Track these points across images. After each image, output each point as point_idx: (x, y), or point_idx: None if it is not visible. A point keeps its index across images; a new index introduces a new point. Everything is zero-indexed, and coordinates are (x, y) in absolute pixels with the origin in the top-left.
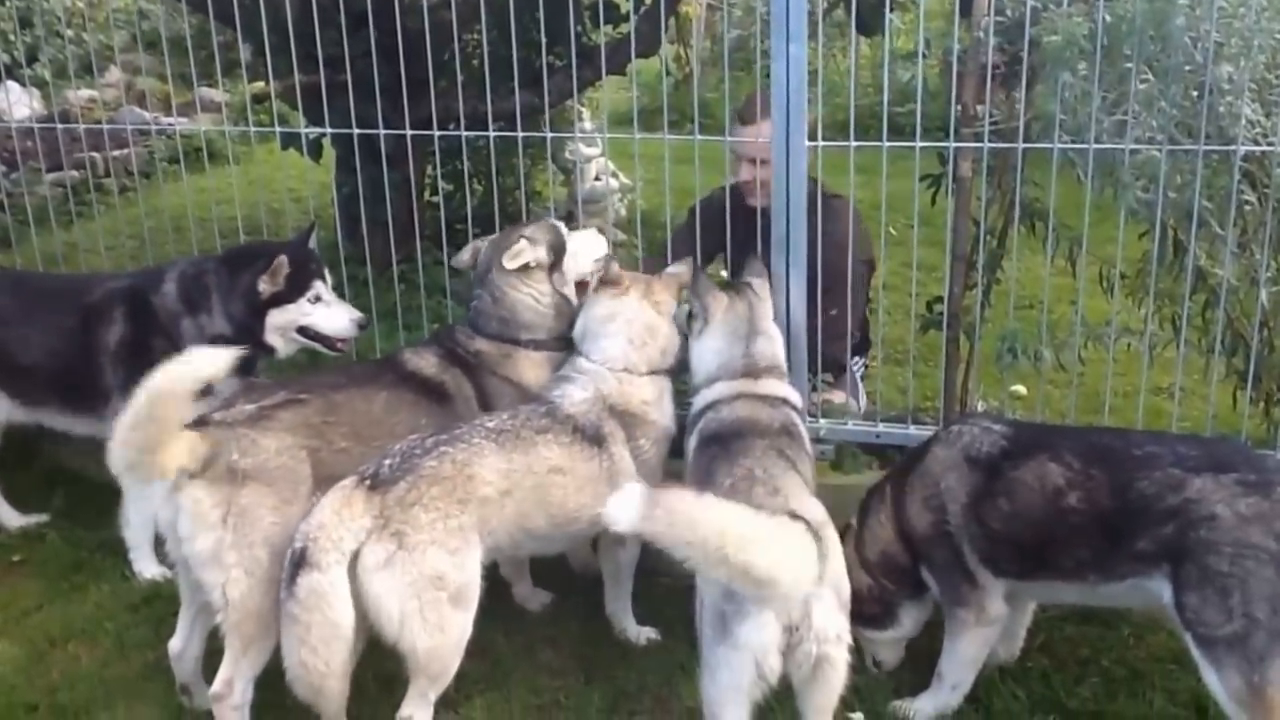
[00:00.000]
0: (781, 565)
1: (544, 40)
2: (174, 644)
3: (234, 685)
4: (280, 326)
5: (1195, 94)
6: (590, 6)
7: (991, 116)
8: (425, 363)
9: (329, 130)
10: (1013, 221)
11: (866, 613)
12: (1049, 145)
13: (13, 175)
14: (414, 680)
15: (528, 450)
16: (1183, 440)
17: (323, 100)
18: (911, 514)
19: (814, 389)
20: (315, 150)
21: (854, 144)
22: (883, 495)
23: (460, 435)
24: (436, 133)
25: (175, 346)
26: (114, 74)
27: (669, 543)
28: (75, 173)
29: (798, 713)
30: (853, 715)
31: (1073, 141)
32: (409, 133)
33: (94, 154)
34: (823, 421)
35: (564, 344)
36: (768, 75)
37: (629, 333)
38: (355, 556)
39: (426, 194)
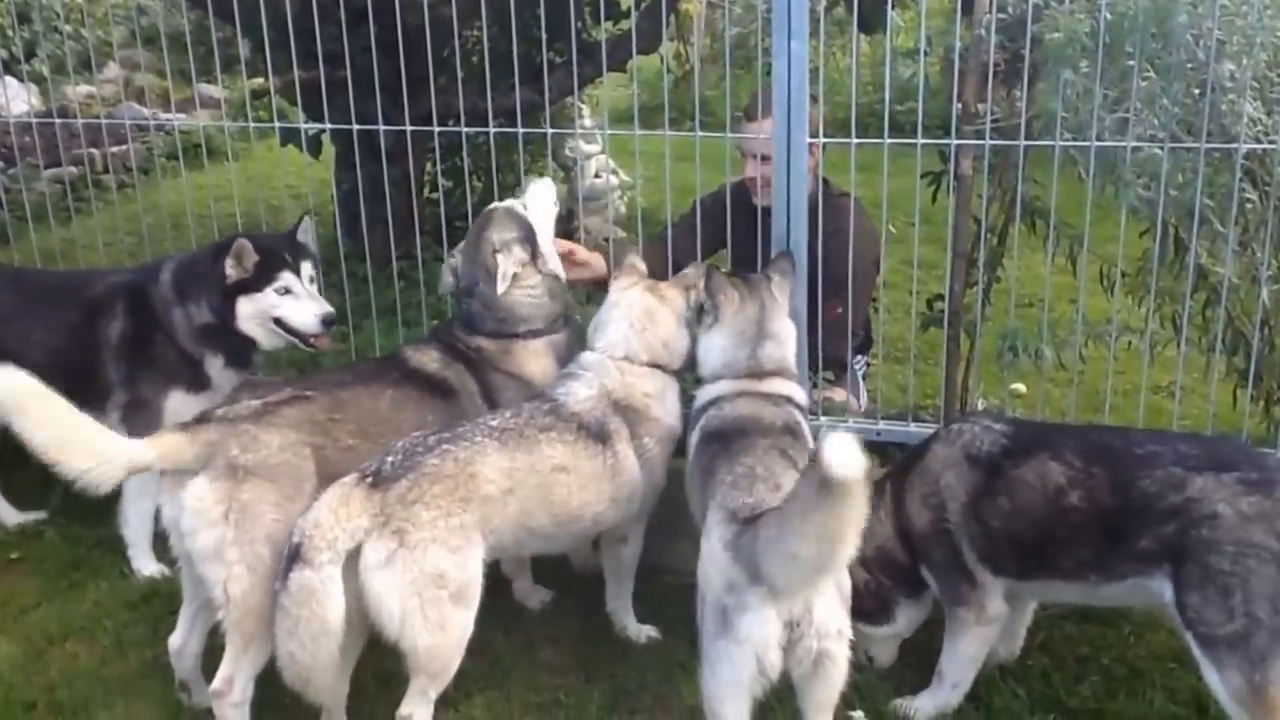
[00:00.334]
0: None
1: (544, 36)
2: (174, 640)
3: (234, 682)
4: (251, 316)
5: (1197, 92)
6: (591, 3)
7: (992, 114)
8: (428, 359)
9: (328, 126)
10: (1014, 219)
11: (862, 608)
12: (1050, 143)
13: (11, 171)
14: (414, 678)
15: (531, 449)
16: (1184, 439)
17: (322, 96)
18: (911, 512)
19: (815, 386)
20: (315, 147)
21: (855, 141)
22: (882, 493)
23: (463, 433)
24: (436, 129)
25: (170, 338)
26: (112, 70)
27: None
28: (74, 169)
29: (798, 711)
30: (853, 714)
31: (1074, 139)
32: (409, 129)
33: (92, 150)
34: (824, 419)
35: (561, 323)
36: (769, 73)
37: (629, 317)
38: (355, 554)
39: (426, 190)
